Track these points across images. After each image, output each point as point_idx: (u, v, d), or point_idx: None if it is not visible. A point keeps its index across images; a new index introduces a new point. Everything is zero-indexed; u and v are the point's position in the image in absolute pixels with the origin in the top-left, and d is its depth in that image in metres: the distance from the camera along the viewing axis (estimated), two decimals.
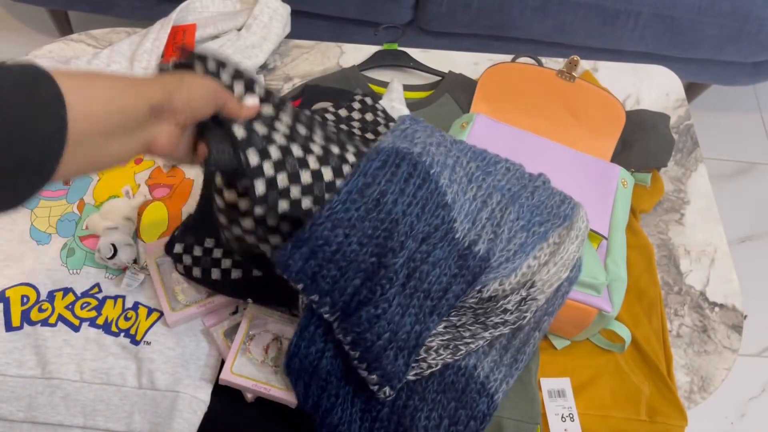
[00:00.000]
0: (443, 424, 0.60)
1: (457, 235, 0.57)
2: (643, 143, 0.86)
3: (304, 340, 0.58)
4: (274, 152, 0.51)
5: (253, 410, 0.65)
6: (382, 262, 0.54)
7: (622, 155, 0.86)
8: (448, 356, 0.60)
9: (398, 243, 0.54)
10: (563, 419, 0.68)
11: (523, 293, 0.59)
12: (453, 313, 0.61)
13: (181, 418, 0.62)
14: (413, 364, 0.59)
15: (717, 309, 0.79)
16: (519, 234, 0.61)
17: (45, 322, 0.68)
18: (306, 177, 0.52)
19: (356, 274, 0.53)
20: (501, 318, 0.60)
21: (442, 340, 0.60)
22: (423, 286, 0.56)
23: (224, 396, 0.65)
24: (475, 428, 0.60)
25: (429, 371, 0.60)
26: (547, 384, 0.70)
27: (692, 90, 1.71)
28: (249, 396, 0.64)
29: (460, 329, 0.61)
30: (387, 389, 0.56)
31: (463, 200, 0.60)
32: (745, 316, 0.80)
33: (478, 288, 0.58)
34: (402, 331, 0.55)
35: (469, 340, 0.60)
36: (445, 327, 0.61)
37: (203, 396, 0.64)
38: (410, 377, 0.60)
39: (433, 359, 0.60)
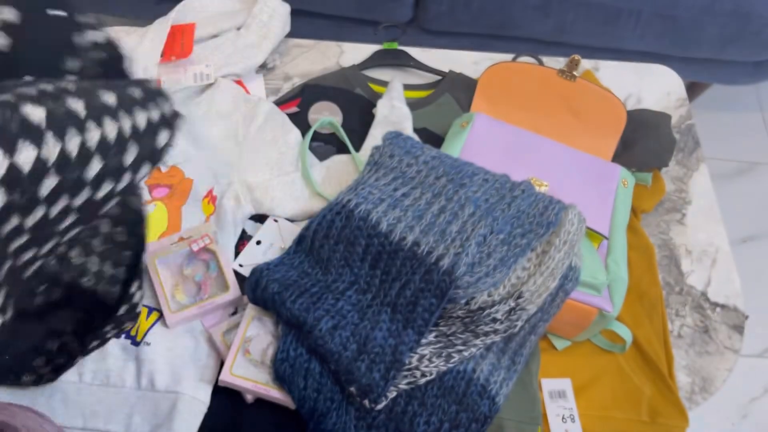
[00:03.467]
0: (443, 427, 0.59)
1: (419, 250, 0.61)
2: (645, 143, 0.86)
3: (290, 344, 0.60)
4: None
5: (253, 411, 0.65)
6: (328, 287, 0.64)
7: (623, 155, 0.85)
8: (442, 364, 0.60)
9: (337, 274, 0.65)
10: (564, 420, 0.67)
11: (512, 303, 0.59)
12: (442, 323, 0.61)
13: (181, 419, 0.62)
14: (405, 373, 0.59)
15: (718, 309, 0.79)
16: (499, 248, 0.61)
17: None
18: None
19: (301, 294, 0.62)
20: (491, 327, 0.60)
21: (434, 349, 0.61)
22: (386, 299, 0.61)
23: (224, 397, 0.65)
24: (477, 430, 0.60)
25: (423, 379, 0.60)
26: (548, 385, 0.70)
27: (693, 89, 1.71)
28: (249, 397, 0.64)
29: (450, 338, 0.61)
30: (367, 401, 0.57)
31: (428, 216, 0.64)
32: (747, 317, 0.80)
33: (465, 301, 0.59)
34: (372, 344, 0.59)
35: (462, 347, 0.61)
36: (435, 336, 0.61)
37: (203, 397, 0.64)
38: (404, 386, 0.60)
39: (426, 367, 0.60)
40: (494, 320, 0.60)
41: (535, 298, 0.60)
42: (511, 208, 0.64)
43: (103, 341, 0.60)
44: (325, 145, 0.84)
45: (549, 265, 0.60)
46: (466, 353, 0.61)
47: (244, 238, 0.76)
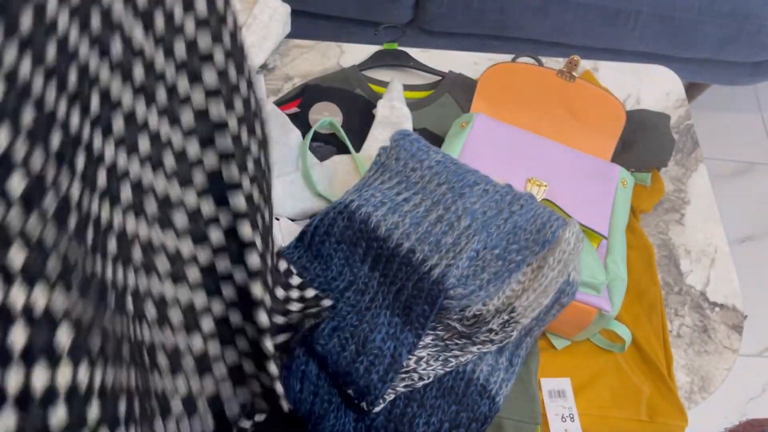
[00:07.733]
0: (444, 427, 0.60)
1: (414, 258, 0.62)
2: (644, 143, 0.86)
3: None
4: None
5: None
6: (328, 283, 0.65)
7: (623, 155, 0.86)
8: (439, 367, 0.61)
9: (337, 272, 0.65)
10: (563, 419, 0.68)
11: (506, 317, 0.60)
12: (440, 327, 0.61)
13: None
14: (403, 375, 0.60)
15: (717, 309, 0.79)
16: (494, 263, 0.61)
17: None
18: None
19: None
20: (486, 336, 0.60)
21: (432, 351, 0.61)
22: (384, 302, 0.62)
23: None
24: (477, 430, 0.60)
25: (421, 383, 0.60)
26: (548, 384, 0.70)
27: (692, 90, 1.71)
28: None
29: (447, 342, 0.61)
30: (364, 404, 0.58)
31: (425, 224, 0.64)
32: (746, 316, 0.80)
33: (459, 309, 0.59)
34: (371, 345, 0.59)
35: (458, 353, 0.61)
36: (432, 339, 0.61)
37: None
38: (401, 389, 0.60)
39: (424, 370, 0.60)
40: (490, 331, 0.60)
41: (529, 312, 0.60)
42: (507, 224, 0.63)
43: None
44: (326, 145, 0.84)
45: (542, 282, 0.60)
46: (462, 359, 0.61)
47: None
